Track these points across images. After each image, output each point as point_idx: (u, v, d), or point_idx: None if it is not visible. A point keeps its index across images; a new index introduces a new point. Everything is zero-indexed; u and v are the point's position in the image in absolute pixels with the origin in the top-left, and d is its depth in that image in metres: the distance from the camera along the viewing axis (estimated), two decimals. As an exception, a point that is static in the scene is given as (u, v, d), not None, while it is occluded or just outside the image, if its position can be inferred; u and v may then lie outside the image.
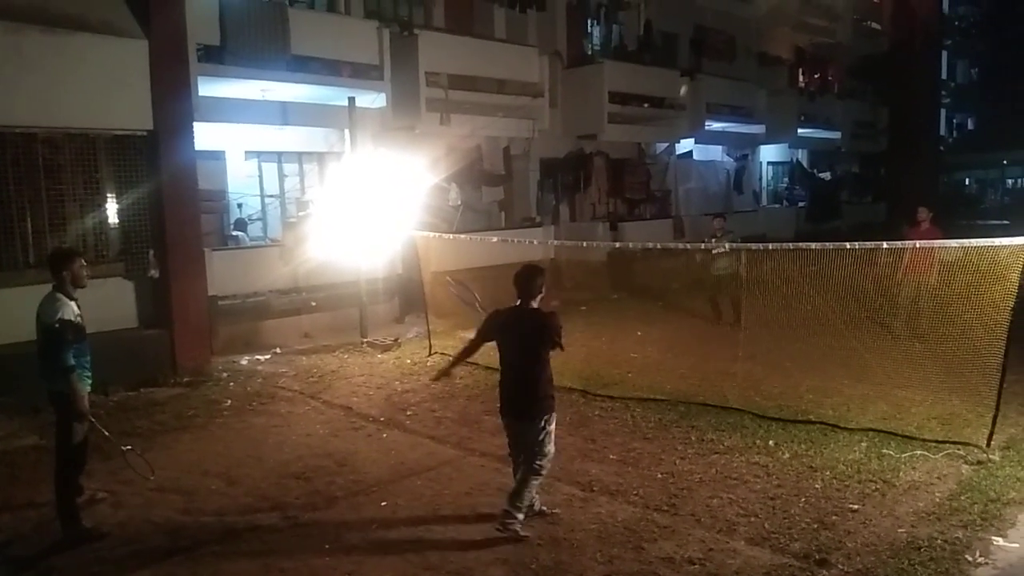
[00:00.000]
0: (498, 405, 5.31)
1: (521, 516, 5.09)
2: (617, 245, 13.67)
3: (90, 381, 5.45)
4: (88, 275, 5.52)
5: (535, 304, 5.14)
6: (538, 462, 5.16)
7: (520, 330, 5.14)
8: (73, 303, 5.29)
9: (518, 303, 5.17)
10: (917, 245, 8.75)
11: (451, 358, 5.57)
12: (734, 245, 11.11)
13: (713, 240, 12.30)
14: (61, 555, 4.99)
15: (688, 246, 12.47)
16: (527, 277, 5.13)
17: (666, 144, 20.77)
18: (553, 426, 5.23)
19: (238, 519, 5.52)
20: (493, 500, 5.71)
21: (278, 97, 12.43)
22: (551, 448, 5.24)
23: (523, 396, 5.17)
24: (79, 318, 5.30)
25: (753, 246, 8.44)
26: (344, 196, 11.52)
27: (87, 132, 9.15)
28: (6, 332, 8.03)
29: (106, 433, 5.67)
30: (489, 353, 10.46)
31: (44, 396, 5.39)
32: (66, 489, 5.31)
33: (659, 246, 12.09)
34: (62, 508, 5.26)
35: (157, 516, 5.58)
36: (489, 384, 9.00)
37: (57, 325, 5.11)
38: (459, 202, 15.17)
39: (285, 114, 12.73)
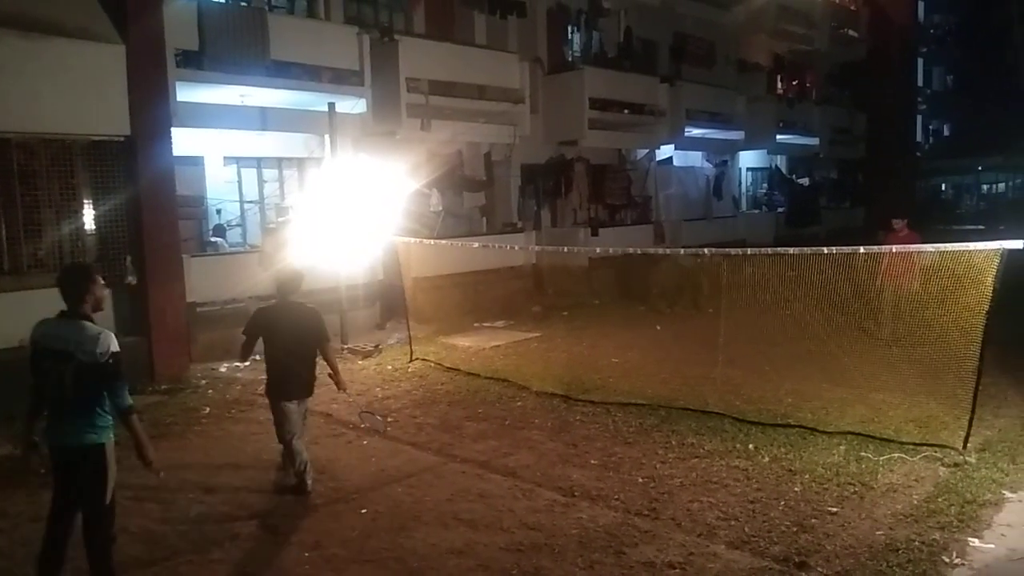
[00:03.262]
0: (278, 390, 6.15)
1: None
2: (598, 250, 13.70)
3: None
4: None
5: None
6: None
7: (289, 323, 6.13)
8: None
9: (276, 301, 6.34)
10: (894, 249, 8.84)
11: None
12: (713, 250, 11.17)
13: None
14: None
15: (668, 250, 12.56)
16: (293, 276, 6.33)
17: (646, 150, 20.87)
18: None
19: (216, 528, 5.47)
20: (474, 507, 5.70)
21: (257, 102, 12.36)
22: None
23: (309, 376, 6.25)
24: None
25: (731, 251, 8.46)
26: (324, 202, 11.48)
27: (63, 138, 9.06)
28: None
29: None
30: (470, 359, 10.52)
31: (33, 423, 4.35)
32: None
33: (640, 251, 12.19)
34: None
35: (134, 525, 5.50)
36: (470, 390, 9.02)
37: (111, 360, 4.19)
38: (440, 208, 15.15)
39: (264, 119, 12.65)
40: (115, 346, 4.25)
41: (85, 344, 4.17)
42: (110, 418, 4.32)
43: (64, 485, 4.32)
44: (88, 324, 4.27)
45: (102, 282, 4.48)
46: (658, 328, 12.85)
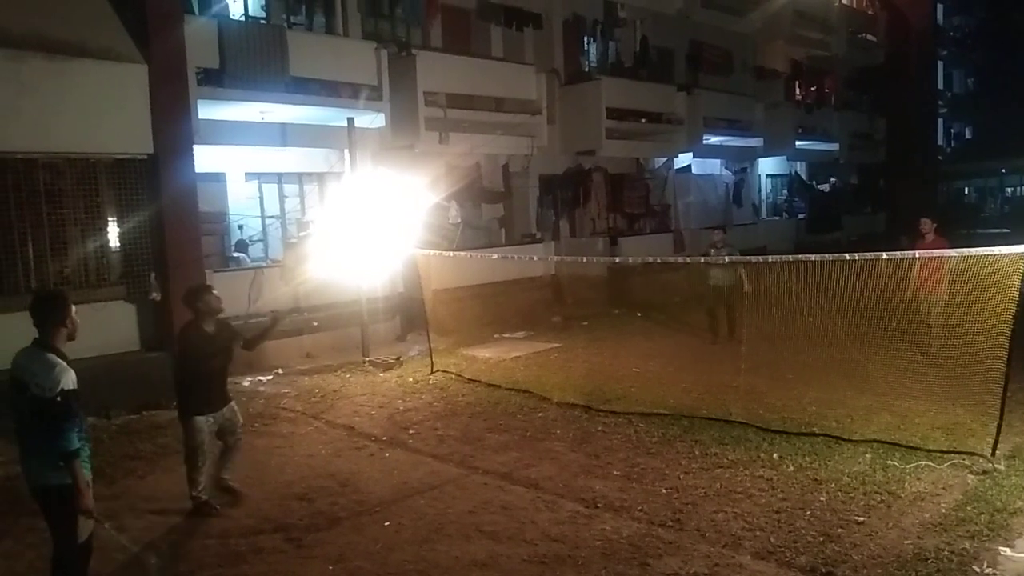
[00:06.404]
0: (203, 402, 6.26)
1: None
2: (617, 260, 13.66)
3: (90, 468, 4.16)
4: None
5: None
6: None
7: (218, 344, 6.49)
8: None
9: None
10: (917, 255, 8.72)
11: None
12: (734, 257, 11.08)
13: (712, 251, 12.23)
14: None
15: (688, 259, 12.45)
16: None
17: (664, 159, 20.83)
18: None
19: (241, 541, 5.50)
20: (497, 519, 5.69)
21: (278, 119, 12.50)
22: None
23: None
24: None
25: (752, 258, 8.44)
26: (344, 216, 11.56)
27: (88, 157, 9.21)
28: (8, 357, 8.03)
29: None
30: (491, 371, 10.52)
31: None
32: None
33: (659, 260, 12.12)
34: None
35: (160, 540, 5.56)
36: (491, 401, 9.02)
37: (59, 398, 3.91)
38: (459, 220, 15.21)
39: (285, 135, 12.78)
40: (69, 384, 3.96)
41: (38, 376, 3.94)
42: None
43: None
44: (50, 356, 4.02)
45: (74, 309, 4.22)
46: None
